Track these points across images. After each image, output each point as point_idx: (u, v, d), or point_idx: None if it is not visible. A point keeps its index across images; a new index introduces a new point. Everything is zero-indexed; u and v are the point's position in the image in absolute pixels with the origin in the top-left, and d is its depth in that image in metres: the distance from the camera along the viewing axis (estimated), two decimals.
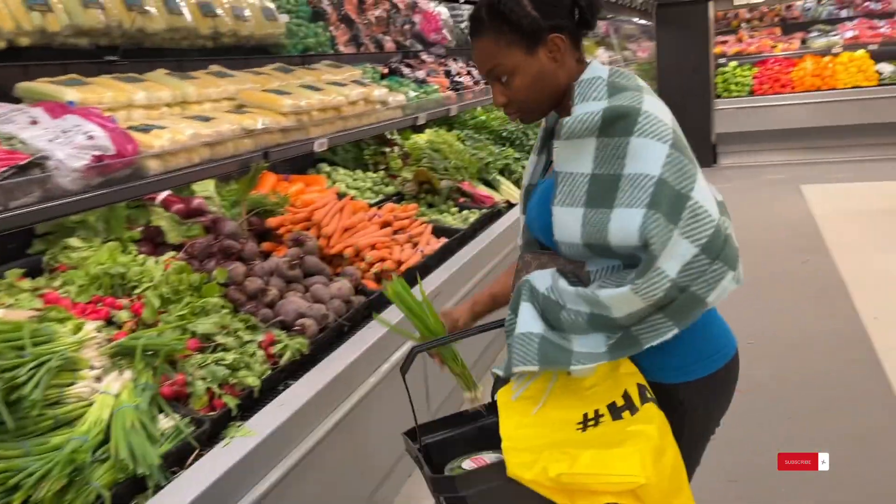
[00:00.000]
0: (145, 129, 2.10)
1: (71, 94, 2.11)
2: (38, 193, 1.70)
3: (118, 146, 1.91)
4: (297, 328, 2.18)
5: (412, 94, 3.78)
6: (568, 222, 1.36)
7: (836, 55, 8.61)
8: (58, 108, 1.95)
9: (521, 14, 1.36)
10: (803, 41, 9.12)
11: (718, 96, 8.84)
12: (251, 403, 1.89)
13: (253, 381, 1.91)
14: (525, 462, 1.27)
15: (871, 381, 3.37)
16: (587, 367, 1.32)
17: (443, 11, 5.22)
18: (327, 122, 2.90)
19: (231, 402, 1.81)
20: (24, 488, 1.42)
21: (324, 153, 3.74)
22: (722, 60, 9.06)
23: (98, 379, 1.71)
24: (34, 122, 1.87)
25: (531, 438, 1.33)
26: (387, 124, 3.44)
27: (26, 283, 2.05)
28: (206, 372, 1.84)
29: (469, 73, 4.69)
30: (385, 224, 3.03)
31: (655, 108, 1.33)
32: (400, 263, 2.78)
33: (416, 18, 4.80)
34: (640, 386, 1.36)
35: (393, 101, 3.43)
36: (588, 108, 1.36)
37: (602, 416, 1.33)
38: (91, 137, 1.85)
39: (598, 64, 1.43)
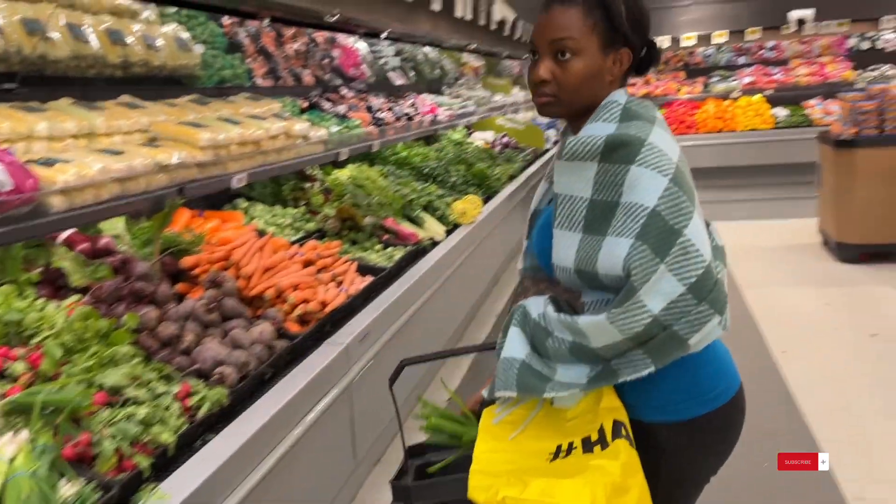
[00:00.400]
0: (48, 162, 1.93)
1: None
2: None
3: (16, 181, 1.75)
4: (215, 377, 2.03)
5: (335, 128, 3.70)
6: (567, 246, 1.35)
7: (735, 99, 9.13)
8: None
9: (618, 12, 1.37)
10: (705, 85, 9.63)
11: None
12: (166, 462, 1.73)
13: (168, 437, 1.75)
14: (483, 485, 1.26)
15: (783, 414, 3.49)
16: (563, 395, 1.31)
17: (362, 47, 5.20)
18: (246, 157, 2.78)
19: (143, 461, 1.65)
20: None
21: (241, 188, 3.59)
22: None
23: None
24: None
25: (500, 464, 1.31)
26: (308, 159, 3.33)
27: None
28: (115, 429, 1.67)
29: (390, 108, 4.65)
30: (308, 263, 2.91)
31: (662, 142, 1.33)
32: (324, 305, 2.67)
33: (335, 53, 4.74)
34: (616, 422, 1.32)
35: (315, 136, 3.33)
36: (595, 129, 1.36)
37: (575, 448, 1.31)
38: None
39: (622, 91, 1.43)
